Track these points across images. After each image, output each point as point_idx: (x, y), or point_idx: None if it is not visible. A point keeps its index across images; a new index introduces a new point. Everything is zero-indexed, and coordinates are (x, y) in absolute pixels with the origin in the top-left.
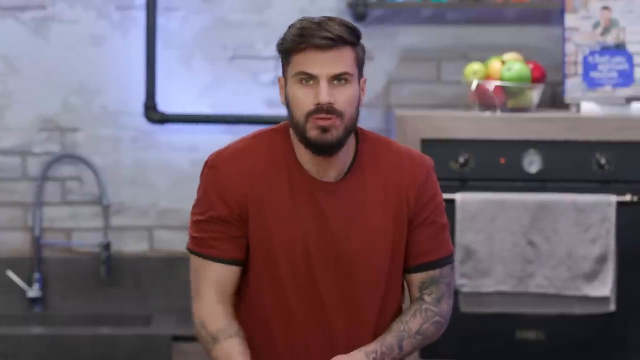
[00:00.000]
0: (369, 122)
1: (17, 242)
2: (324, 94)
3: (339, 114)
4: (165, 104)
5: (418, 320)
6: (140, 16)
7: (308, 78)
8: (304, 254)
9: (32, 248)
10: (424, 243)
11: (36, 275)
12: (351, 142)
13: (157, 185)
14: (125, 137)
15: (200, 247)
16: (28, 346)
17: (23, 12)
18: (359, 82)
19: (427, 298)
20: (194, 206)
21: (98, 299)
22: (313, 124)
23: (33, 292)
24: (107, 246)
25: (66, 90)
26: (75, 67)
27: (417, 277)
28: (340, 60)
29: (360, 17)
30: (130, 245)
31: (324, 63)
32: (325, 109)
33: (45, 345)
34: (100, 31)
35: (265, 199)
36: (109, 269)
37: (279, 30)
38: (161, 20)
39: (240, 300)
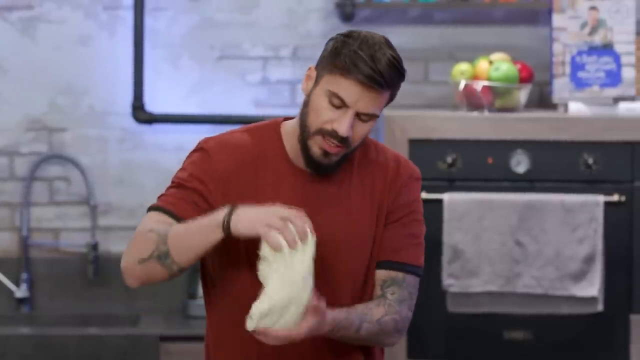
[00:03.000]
0: None
1: (4, 243)
2: (345, 128)
3: (348, 145)
4: (153, 104)
5: (381, 310)
6: (128, 16)
7: (339, 102)
8: None
9: (20, 248)
10: (391, 241)
11: (24, 276)
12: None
13: (144, 185)
14: (113, 137)
15: (159, 202)
16: (16, 346)
17: (10, 12)
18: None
19: (389, 296)
20: (173, 177)
21: (86, 299)
22: (320, 142)
23: (20, 292)
24: (94, 246)
25: (53, 91)
26: (63, 67)
27: (380, 275)
28: (376, 102)
29: (348, 17)
30: (118, 245)
31: (360, 98)
32: (339, 139)
33: (33, 345)
34: (87, 31)
35: (247, 188)
36: (96, 269)
37: (266, 30)
38: (149, 21)
39: (217, 291)
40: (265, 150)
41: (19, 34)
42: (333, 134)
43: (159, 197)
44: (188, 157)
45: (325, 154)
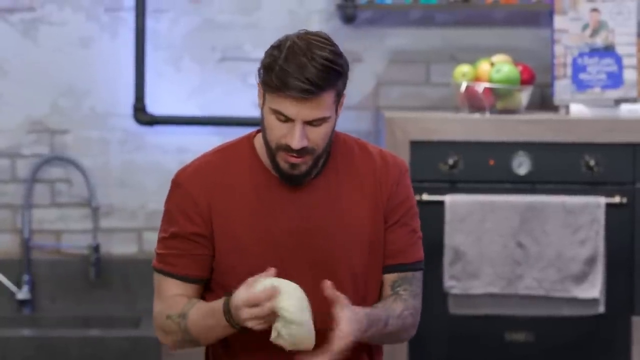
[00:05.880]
0: (358, 124)
1: (6, 244)
2: (297, 140)
3: (310, 152)
4: (154, 105)
5: (400, 306)
6: (129, 18)
7: (284, 117)
8: (277, 258)
9: (21, 250)
10: (397, 243)
11: (25, 277)
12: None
13: (146, 187)
14: (114, 139)
15: (161, 263)
16: (17, 348)
17: (12, 13)
18: (337, 108)
19: (402, 292)
20: (161, 223)
21: (87, 301)
22: (283, 156)
23: (22, 294)
24: (96, 248)
25: (55, 92)
26: (64, 69)
27: (390, 277)
28: (318, 106)
29: (349, 19)
30: (120, 247)
31: (300, 110)
32: (295, 151)
33: (34, 347)
34: (89, 33)
35: (230, 209)
36: (98, 271)
37: (268, 31)
38: (150, 22)
39: (215, 296)
40: (242, 167)
41: (21, 36)
42: (288, 148)
43: (158, 254)
44: (168, 199)
45: (292, 165)
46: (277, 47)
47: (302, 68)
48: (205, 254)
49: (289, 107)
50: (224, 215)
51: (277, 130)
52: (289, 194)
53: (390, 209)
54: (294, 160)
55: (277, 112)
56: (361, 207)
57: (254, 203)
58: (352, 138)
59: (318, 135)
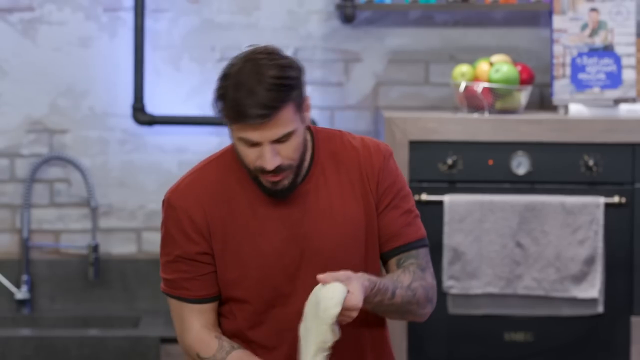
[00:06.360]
0: (357, 124)
1: (5, 244)
2: (268, 162)
3: (287, 167)
4: (154, 105)
5: (408, 277)
6: (128, 18)
7: (250, 142)
8: (279, 266)
9: (20, 250)
10: (391, 227)
11: (24, 277)
12: (307, 143)
13: (145, 187)
14: (113, 139)
15: (174, 289)
16: (16, 348)
17: (11, 13)
18: (302, 115)
19: (410, 267)
20: (161, 247)
21: (86, 300)
22: (263, 177)
23: (21, 294)
24: (95, 248)
25: (54, 92)
26: (64, 68)
27: (393, 260)
28: (280, 124)
29: (349, 18)
30: (119, 247)
31: (263, 132)
32: (272, 171)
33: (34, 347)
34: (88, 33)
35: (227, 224)
36: (97, 270)
37: (267, 31)
38: (149, 22)
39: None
40: (232, 180)
41: (20, 36)
42: (265, 170)
43: (167, 279)
44: (165, 221)
45: (274, 183)
46: (225, 75)
47: (253, 94)
48: (212, 271)
49: (252, 134)
50: (222, 230)
51: (249, 156)
52: (281, 202)
53: (379, 196)
54: (273, 179)
55: (242, 140)
56: (353, 203)
57: (249, 216)
58: (333, 132)
59: (289, 150)
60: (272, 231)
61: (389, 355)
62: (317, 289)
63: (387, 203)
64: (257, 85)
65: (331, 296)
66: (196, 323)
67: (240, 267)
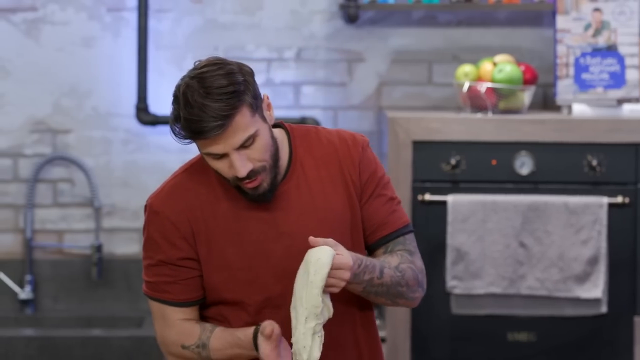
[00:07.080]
0: (360, 123)
1: (8, 244)
2: (240, 169)
3: (261, 170)
4: (157, 105)
5: (395, 259)
6: (132, 18)
7: (218, 155)
8: (266, 267)
9: (24, 250)
10: (377, 216)
11: (28, 277)
12: (284, 142)
13: (148, 186)
14: (117, 139)
15: (155, 292)
16: (19, 348)
17: (14, 13)
18: (262, 114)
19: (397, 250)
20: (143, 250)
21: (89, 300)
22: (242, 186)
23: (24, 294)
24: (98, 248)
25: (57, 92)
26: (67, 68)
27: (381, 250)
28: (239, 130)
29: (352, 19)
30: (122, 247)
31: (225, 142)
32: (247, 177)
33: (37, 347)
34: (91, 33)
35: (211, 228)
36: (100, 270)
37: (270, 31)
38: (152, 22)
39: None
40: (213, 184)
41: (23, 36)
42: (239, 179)
43: (148, 282)
44: (147, 226)
45: (254, 189)
46: (175, 97)
47: (203, 109)
48: (195, 276)
49: (215, 147)
50: (206, 234)
51: (221, 169)
52: (259, 204)
53: (362, 186)
54: (251, 185)
55: (209, 155)
56: (335, 197)
57: (232, 218)
58: (308, 128)
59: (258, 152)
60: (256, 232)
61: (376, 336)
62: (307, 254)
63: (370, 192)
64: (206, 99)
65: (319, 256)
66: (177, 322)
67: (227, 270)
